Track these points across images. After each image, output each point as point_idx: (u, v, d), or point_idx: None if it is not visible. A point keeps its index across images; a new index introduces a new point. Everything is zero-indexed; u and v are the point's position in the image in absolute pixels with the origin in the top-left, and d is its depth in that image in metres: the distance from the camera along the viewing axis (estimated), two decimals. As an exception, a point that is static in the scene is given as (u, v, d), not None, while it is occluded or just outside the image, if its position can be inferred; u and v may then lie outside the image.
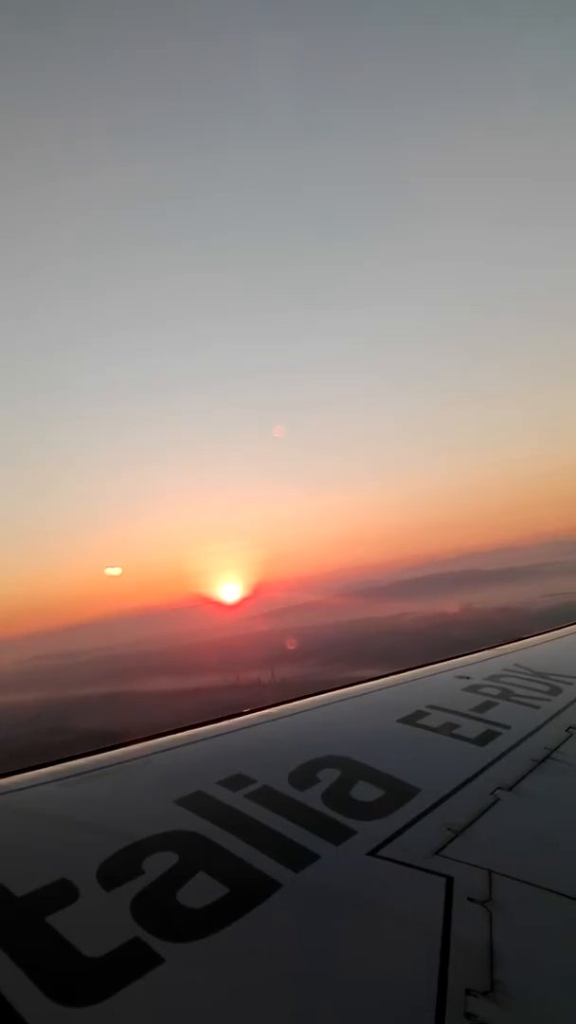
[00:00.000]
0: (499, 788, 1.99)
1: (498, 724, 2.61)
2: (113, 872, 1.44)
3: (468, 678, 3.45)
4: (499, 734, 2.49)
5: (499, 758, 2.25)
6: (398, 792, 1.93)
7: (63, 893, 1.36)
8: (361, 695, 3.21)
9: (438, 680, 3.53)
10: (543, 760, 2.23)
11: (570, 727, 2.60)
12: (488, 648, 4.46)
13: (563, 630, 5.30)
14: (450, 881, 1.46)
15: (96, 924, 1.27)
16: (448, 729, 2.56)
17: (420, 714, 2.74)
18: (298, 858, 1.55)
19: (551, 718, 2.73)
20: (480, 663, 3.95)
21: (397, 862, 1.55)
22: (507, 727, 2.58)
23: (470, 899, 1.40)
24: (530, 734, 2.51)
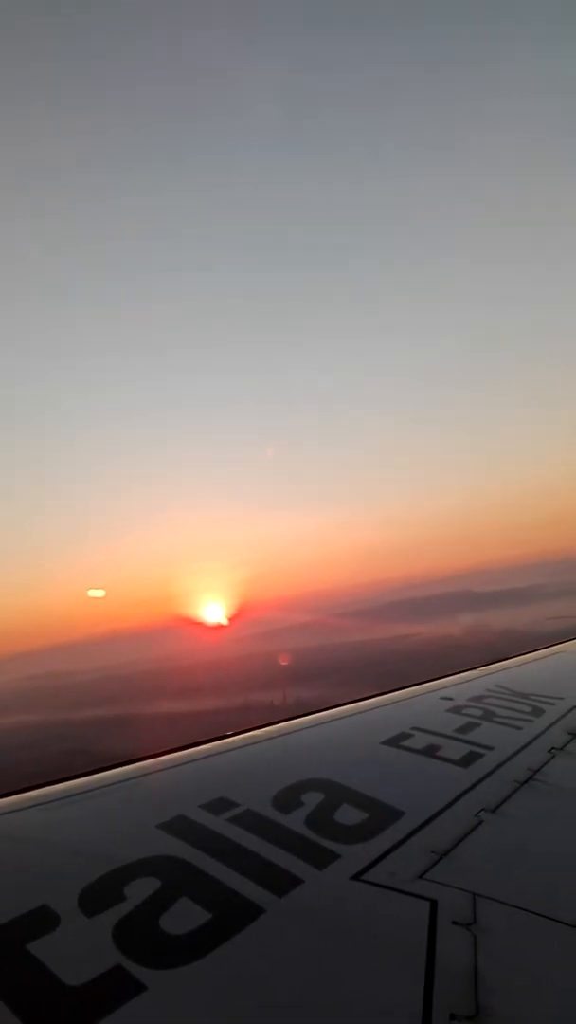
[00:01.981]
0: (483, 810, 1.99)
1: (481, 745, 2.62)
2: (94, 898, 1.42)
3: (451, 699, 3.46)
4: (482, 755, 2.50)
5: (482, 780, 2.25)
6: (382, 815, 1.93)
7: (43, 920, 1.33)
8: (344, 717, 3.20)
9: (421, 701, 3.54)
10: (526, 781, 2.24)
11: (552, 748, 2.62)
12: (471, 669, 4.49)
13: (544, 651, 5.34)
14: (434, 904, 1.46)
15: (77, 951, 1.24)
16: (431, 751, 2.56)
17: (404, 736, 2.75)
18: (282, 883, 1.54)
19: (533, 739, 2.75)
20: (463, 684, 3.96)
21: (381, 886, 1.55)
22: (490, 748, 2.59)
23: (454, 923, 1.40)
24: (513, 755, 2.52)
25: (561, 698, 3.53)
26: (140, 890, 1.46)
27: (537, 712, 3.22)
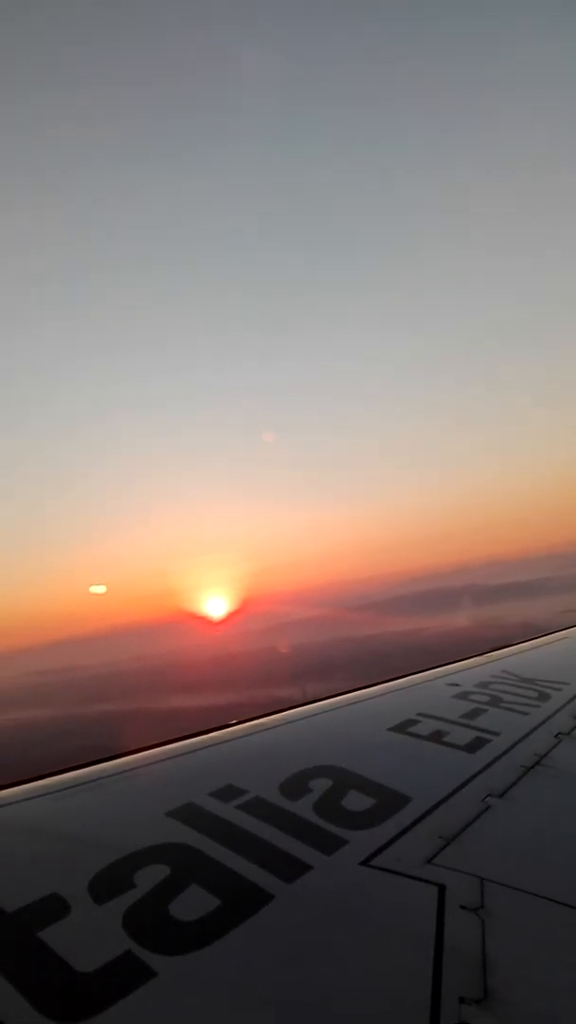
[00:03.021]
0: (490, 795, 2.00)
1: (488, 731, 2.63)
2: (104, 885, 1.43)
3: (458, 685, 3.46)
4: (489, 741, 2.51)
5: (489, 765, 2.26)
6: (389, 801, 1.93)
7: (54, 907, 1.35)
8: (351, 704, 3.21)
9: (428, 688, 3.54)
10: (533, 766, 2.24)
11: (559, 733, 2.62)
12: (477, 655, 4.49)
13: (550, 636, 5.34)
14: (442, 889, 1.47)
15: (88, 938, 1.25)
16: (438, 737, 2.57)
17: (410, 722, 2.75)
18: (290, 869, 1.54)
19: (540, 724, 2.75)
20: (469, 670, 3.97)
21: (389, 871, 1.55)
22: (497, 734, 2.59)
23: (462, 907, 1.40)
24: (520, 740, 2.52)
25: (567, 683, 3.52)
26: (150, 877, 1.47)
27: (543, 697, 3.22)
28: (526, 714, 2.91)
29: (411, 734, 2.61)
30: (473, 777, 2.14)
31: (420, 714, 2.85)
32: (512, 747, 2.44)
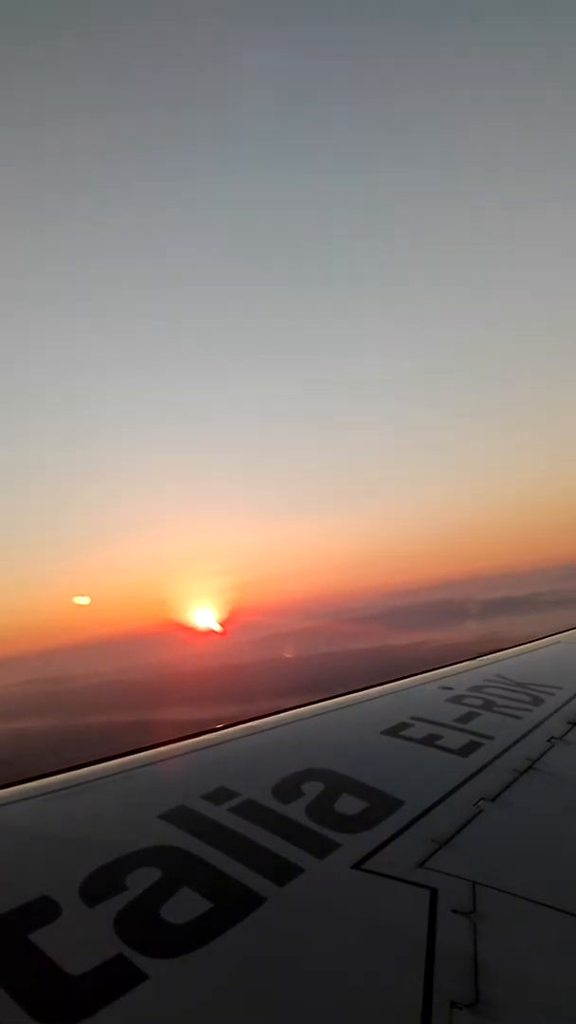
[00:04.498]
0: (482, 799, 2.00)
1: (481, 735, 2.63)
2: (96, 888, 1.42)
3: (451, 689, 3.46)
4: (482, 745, 2.51)
5: (482, 769, 2.26)
6: (382, 804, 1.93)
7: (45, 910, 1.34)
8: (344, 707, 3.21)
9: (421, 691, 3.54)
10: (526, 771, 2.25)
11: (552, 737, 2.62)
12: (470, 659, 4.50)
13: (543, 641, 5.36)
14: (434, 893, 1.46)
15: (79, 941, 1.25)
16: (431, 740, 2.57)
17: (403, 726, 2.75)
18: (282, 872, 1.54)
19: (533, 728, 2.76)
20: (462, 674, 3.97)
21: (381, 875, 1.55)
22: (490, 738, 2.60)
23: (454, 911, 1.40)
24: (512, 745, 2.53)
25: (560, 687, 3.54)
26: (141, 880, 1.46)
27: (536, 701, 3.23)
28: (519, 718, 2.91)
29: (404, 737, 2.61)
30: (466, 781, 2.14)
31: (413, 718, 2.86)
32: (505, 751, 2.45)
